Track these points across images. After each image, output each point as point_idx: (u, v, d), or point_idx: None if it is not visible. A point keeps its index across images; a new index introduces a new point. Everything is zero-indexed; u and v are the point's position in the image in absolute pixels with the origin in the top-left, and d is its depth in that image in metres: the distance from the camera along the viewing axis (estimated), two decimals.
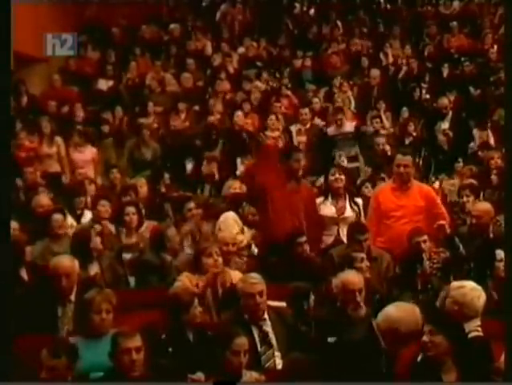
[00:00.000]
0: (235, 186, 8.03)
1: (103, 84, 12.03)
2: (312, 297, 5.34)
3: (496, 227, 6.57)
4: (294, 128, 10.27)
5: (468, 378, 4.25)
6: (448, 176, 8.82)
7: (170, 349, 4.80)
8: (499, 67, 10.47)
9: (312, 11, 14.49)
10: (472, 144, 9.70)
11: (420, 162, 9.48)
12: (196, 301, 5.04)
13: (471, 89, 11.00)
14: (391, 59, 12.32)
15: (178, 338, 4.92)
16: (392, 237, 6.60)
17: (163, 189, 8.71)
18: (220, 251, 5.93)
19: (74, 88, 11.70)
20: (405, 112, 10.56)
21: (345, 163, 9.30)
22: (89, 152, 9.60)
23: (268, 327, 5.09)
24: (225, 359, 4.49)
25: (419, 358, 4.42)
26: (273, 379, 4.62)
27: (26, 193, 8.09)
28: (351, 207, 7.11)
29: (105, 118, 10.58)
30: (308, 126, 10.32)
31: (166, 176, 8.94)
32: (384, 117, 10.35)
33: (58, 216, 6.83)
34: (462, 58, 11.67)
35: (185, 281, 5.54)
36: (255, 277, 5.22)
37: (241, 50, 12.98)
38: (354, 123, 10.05)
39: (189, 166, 9.75)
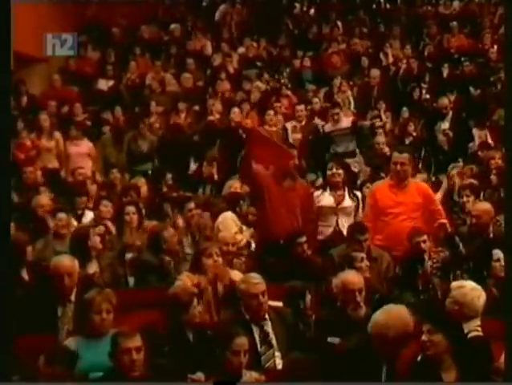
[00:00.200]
0: (236, 186, 8.04)
1: (103, 84, 12.04)
2: (309, 297, 5.34)
3: (496, 227, 6.58)
4: (289, 125, 10.28)
5: (468, 378, 4.25)
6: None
7: (166, 348, 4.80)
8: (499, 67, 10.47)
9: (312, 11, 14.49)
10: (472, 144, 9.70)
11: (420, 162, 9.50)
12: (195, 301, 5.04)
13: (471, 89, 10.99)
14: (391, 59, 12.32)
15: (178, 337, 4.92)
16: (390, 234, 6.61)
17: (164, 189, 8.70)
18: (220, 251, 5.93)
19: (74, 88, 11.71)
20: (405, 112, 10.56)
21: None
22: (85, 146, 9.62)
23: (269, 327, 5.10)
24: (225, 359, 4.49)
25: (419, 358, 4.42)
26: (273, 379, 4.62)
27: (26, 193, 8.08)
28: (351, 198, 7.11)
29: (105, 118, 10.57)
30: (304, 123, 10.33)
31: (168, 176, 8.93)
32: (384, 117, 10.35)
33: (62, 215, 6.87)
34: (462, 58, 11.66)
35: (185, 280, 5.54)
36: (256, 277, 5.23)
37: (241, 50, 12.98)
38: (351, 119, 10.05)
39: (190, 166, 9.73)
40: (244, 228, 7.01)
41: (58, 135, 9.72)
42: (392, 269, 6.34)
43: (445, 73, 11.71)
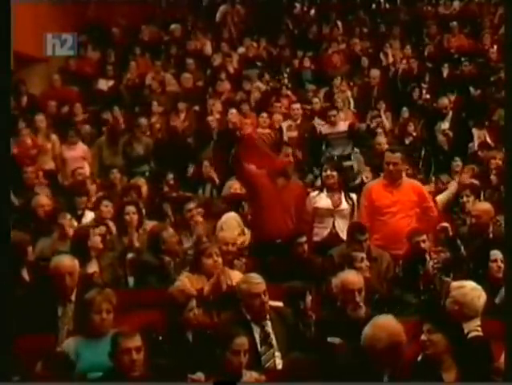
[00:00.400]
0: (235, 186, 8.04)
1: (103, 84, 12.04)
2: (309, 297, 5.34)
3: (496, 227, 6.58)
4: (285, 124, 10.27)
5: (468, 378, 4.25)
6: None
7: (166, 346, 4.80)
8: (499, 67, 10.46)
9: (312, 11, 14.49)
10: (472, 144, 9.70)
11: (420, 162, 9.50)
12: (195, 301, 5.04)
13: (471, 89, 10.99)
14: (391, 59, 12.32)
15: (178, 338, 4.92)
16: (388, 233, 6.62)
17: (166, 189, 8.69)
18: (220, 251, 5.93)
19: (74, 88, 11.72)
20: (405, 112, 10.55)
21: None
22: (80, 150, 9.62)
23: (269, 327, 5.10)
24: (225, 359, 4.49)
25: (419, 358, 4.42)
26: (273, 379, 4.62)
27: (26, 193, 8.08)
28: (347, 201, 7.12)
29: (105, 118, 10.57)
30: (299, 121, 10.33)
31: (168, 176, 8.93)
32: (384, 117, 10.35)
33: (66, 215, 6.86)
34: (462, 58, 11.66)
35: (185, 281, 5.54)
36: (257, 277, 5.23)
37: (241, 50, 12.98)
38: (348, 123, 10.05)
39: (188, 167, 9.72)
40: (246, 230, 7.02)
41: (54, 137, 9.71)
42: (392, 269, 6.34)
43: (445, 73, 11.71)
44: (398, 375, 4.25)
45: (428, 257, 6.03)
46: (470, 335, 4.74)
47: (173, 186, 8.78)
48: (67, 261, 5.39)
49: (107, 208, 7.38)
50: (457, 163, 8.90)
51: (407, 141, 9.93)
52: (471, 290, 4.92)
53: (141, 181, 8.64)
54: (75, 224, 7.25)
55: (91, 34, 12.94)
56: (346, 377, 4.27)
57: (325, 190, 7.16)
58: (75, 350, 4.72)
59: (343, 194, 7.15)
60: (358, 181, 8.80)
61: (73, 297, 5.29)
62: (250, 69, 12.26)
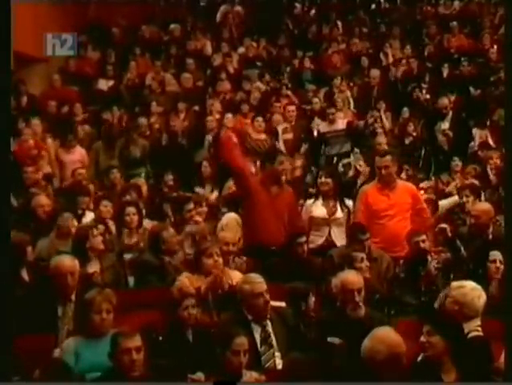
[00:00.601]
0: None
1: (103, 84, 12.04)
2: (312, 298, 5.34)
3: (496, 227, 6.58)
4: (280, 127, 10.25)
5: (468, 378, 4.24)
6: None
7: (166, 346, 4.80)
8: (499, 67, 10.45)
9: (312, 11, 14.49)
10: (472, 144, 9.70)
11: (421, 162, 9.51)
12: (191, 300, 5.04)
13: (471, 89, 10.98)
14: (391, 59, 12.32)
15: (178, 337, 4.92)
16: (387, 236, 6.64)
17: (165, 189, 8.68)
18: (220, 251, 5.93)
19: (74, 88, 11.71)
20: (405, 112, 10.56)
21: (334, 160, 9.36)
22: (78, 153, 9.62)
23: (270, 327, 5.10)
24: (225, 359, 4.49)
25: (419, 358, 4.42)
26: (273, 379, 4.62)
27: (26, 193, 8.08)
28: (342, 209, 7.11)
29: (105, 118, 10.57)
30: (293, 123, 10.31)
31: (168, 177, 8.92)
32: (383, 117, 10.35)
33: (67, 215, 6.87)
34: (462, 58, 11.65)
35: (185, 281, 5.54)
36: (257, 276, 5.24)
37: (241, 50, 12.98)
38: (346, 121, 10.05)
39: (190, 166, 9.71)
40: None
41: (50, 141, 9.71)
42: (392, 270, 6.34)
43: (445, 73, 11.70)
44: (398, 378, 4.25)
45: (429, 258, 6.03)
46: (470, 335, 4.74)
47: (172, 187, 8.76)
48: (68, 261, 5.40)
49: (107, 208, 7.38)
50: (457, 163, 8.89)
51: (407, 141, 9.93)
52: (471, 290, 4.92)
53: (141, 181, 8.64)
54: (76, 223, 7.25)
55: (91, 34, 12.94)
56: (346, 377, 4.27)
57: (320, 198, 7.15)
58: (75, 350, 4.73)
59: (338, 202, 7.14)
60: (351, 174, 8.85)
61: (73, 297, 5.29)
62: (250, 69, 12.25)
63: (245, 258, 6.50)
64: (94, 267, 6.16)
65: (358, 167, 8.99)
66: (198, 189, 8.92)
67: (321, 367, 4.36)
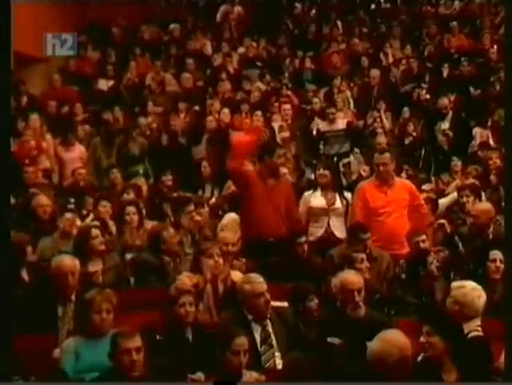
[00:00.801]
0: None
1: (103, 84, 12.03)
2: (311, 298, 5.34)
3: (496, 227, 6.58)
4: (276, 125, 10.24)
5: (468, 378, 4.24)
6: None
7: (165, 346, 4.80)
8: (499, 67, 10.46)
9: (312, 11, 14.49)
10: (472, 144, 9.70)
11: (421, 162, 9.51)
12: (188, 297, 5.03)
13: (471, 89, 10.99)
14: (391, 59, 12.32)
15: (178, 337, 4.92)
16: (386, 233, 6.64)
17: (165, 189, 8.68)
18: (220, 251, 5.93)
19: (74, 88, 11.71)
20: (405, 112, 10.56)
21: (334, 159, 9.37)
22: (77, 151, 9.62)
23: (270, 327, 5.11)
24: (225, 359, 4.49)
25: (419, 358, 4.42)
26: (273, 379, 4.62)
27: (26, 193, 8.08)
28: (341, 199, 7.13)
29: (105, 118, 10.56)
30: (290, 122, 10.31)
31: (167, 176, 8.91)
32: (383, 117, 10.35)
33: (69, 215, 6.88)
34: (462, 58, 11.65)
35: (185, 280, 5.54)
36: (258, 276, 5.24)
37: (241, 50, 12.97)
38: (346, 120, 10.05)
39: (189, 166, 9.71)
40: None
41: (49, 137, 9.71)
42: (391, 269, 6.34)
43: (445, 73, 11.69)
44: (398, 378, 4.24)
45: (430, 259, 6.02)
46: (470, 335, 4.74)
47: (171, 186, 8.76)
48: (68, 261, 5.40)
49: (106, 208, 7.37)
50: (457, 163, 8.90)
51: (407, 141, 9.94)
52: (471, 290, 4.92)
53: (141, 181, 8.63)
54: (77, 223, 7.25)
55: (91, 34, 12.95)
56: (346, 377, 4.27)
57: (319, 189, 7.17)
58: (75, 350, 4.73)
59: (337, 193, 7.17)
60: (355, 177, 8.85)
61: (73, 297, 5.29)
62: (250, 69, 12.25)
63: (244, 260, 6.50)
64: (96, 267, 6.16)
65: (362, 172, 8.99)
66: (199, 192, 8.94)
67: (321, 367, 4.35)
